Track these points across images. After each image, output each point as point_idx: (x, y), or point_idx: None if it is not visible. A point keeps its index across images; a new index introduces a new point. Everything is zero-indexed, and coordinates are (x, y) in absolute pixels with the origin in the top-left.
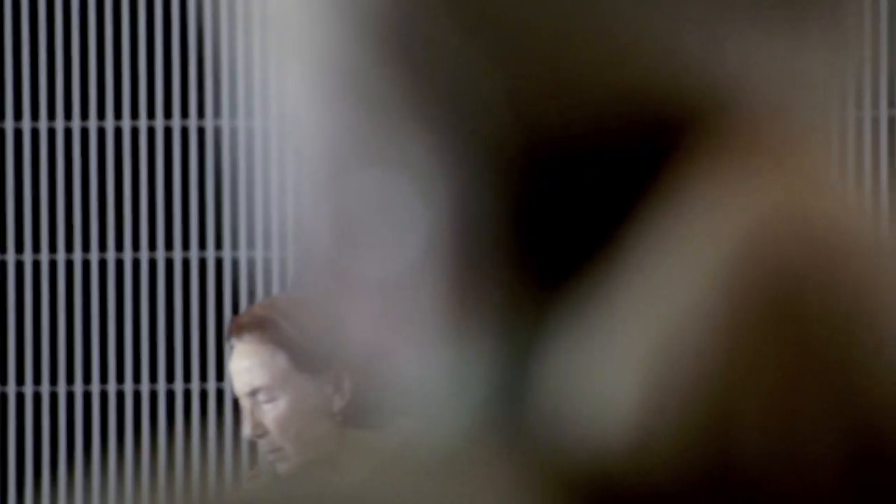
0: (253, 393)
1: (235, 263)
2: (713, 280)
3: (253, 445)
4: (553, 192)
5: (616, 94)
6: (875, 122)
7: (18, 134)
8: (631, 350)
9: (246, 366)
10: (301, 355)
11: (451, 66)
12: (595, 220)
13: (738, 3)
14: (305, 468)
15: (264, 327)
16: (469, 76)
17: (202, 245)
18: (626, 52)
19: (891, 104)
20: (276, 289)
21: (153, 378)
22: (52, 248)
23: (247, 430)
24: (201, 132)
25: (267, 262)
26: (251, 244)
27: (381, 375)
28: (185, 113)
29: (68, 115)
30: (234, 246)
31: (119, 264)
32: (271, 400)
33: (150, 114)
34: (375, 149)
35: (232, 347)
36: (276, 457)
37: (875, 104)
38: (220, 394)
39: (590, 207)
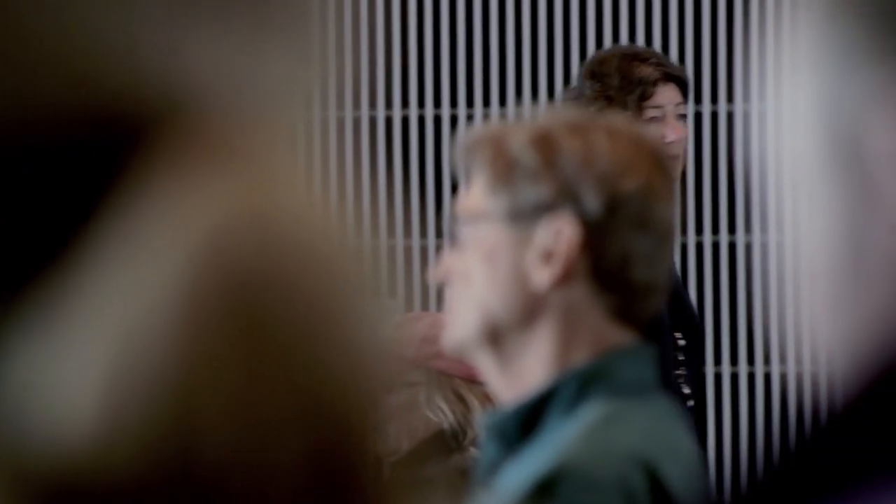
0: None
1: None
2: (175, 280)
3: None
4: (10, 187)
5: (76, 92)
6: (340, 122)
7: None
8: (92, 349)
9: None
10: None
11: None
12: (55, 218)
13: (201, 4)
14: None
15: None
16: None
17: None
18: (87, 51)
19: (355, 105)
20: None
21: None
22: None
23: None
24: None
25: None
26: None
27: None
28: None
29: None
30: None
31: None
32: None
33: None
34: None
35: None
36: None
37: (340, 105)
38: None
39: (49, 205)
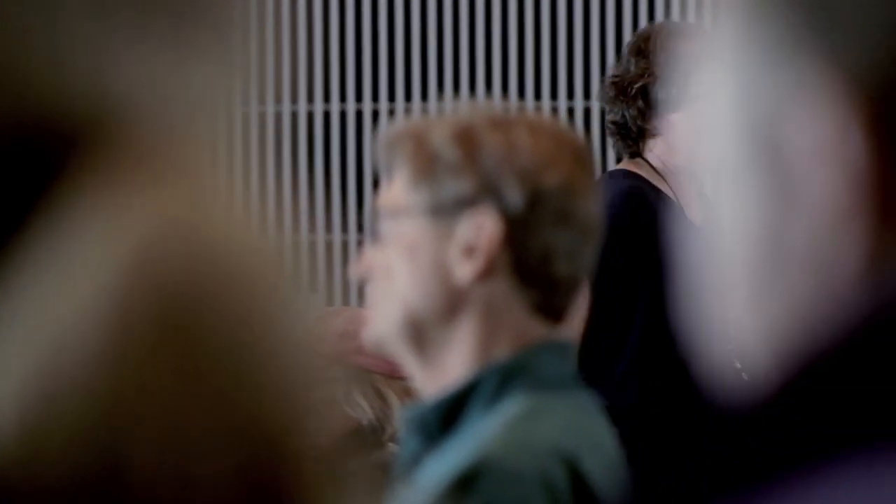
0: None
1: None
2: (104, 290)
3: None
4: None
5: (2, 105)
6: (262, 117)
7: None
8: (20, 357)
9: None
10: None
11: None
12: None
13: (122, 13)
14: None
15: None
16: None
17: None
18: (12, 64)
19: (277, 100)
20: None
21: None
22: None
23: None
24: None
25: None
26: None
27: None
28: None
29: None
30: None
31: None
32: None
33: None
34: None
35: None
36: None
37: (262, 100)
38: None
39: None
